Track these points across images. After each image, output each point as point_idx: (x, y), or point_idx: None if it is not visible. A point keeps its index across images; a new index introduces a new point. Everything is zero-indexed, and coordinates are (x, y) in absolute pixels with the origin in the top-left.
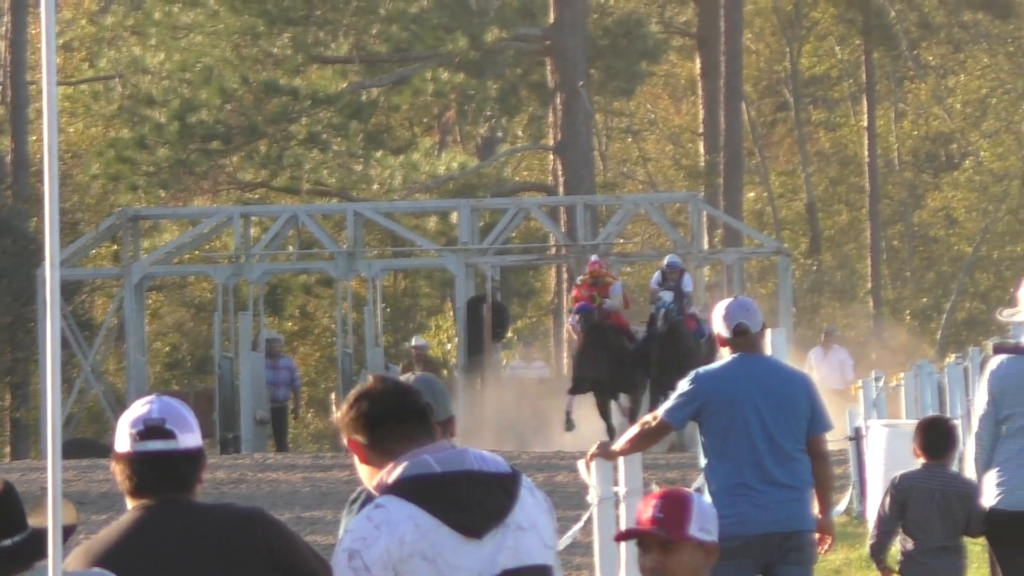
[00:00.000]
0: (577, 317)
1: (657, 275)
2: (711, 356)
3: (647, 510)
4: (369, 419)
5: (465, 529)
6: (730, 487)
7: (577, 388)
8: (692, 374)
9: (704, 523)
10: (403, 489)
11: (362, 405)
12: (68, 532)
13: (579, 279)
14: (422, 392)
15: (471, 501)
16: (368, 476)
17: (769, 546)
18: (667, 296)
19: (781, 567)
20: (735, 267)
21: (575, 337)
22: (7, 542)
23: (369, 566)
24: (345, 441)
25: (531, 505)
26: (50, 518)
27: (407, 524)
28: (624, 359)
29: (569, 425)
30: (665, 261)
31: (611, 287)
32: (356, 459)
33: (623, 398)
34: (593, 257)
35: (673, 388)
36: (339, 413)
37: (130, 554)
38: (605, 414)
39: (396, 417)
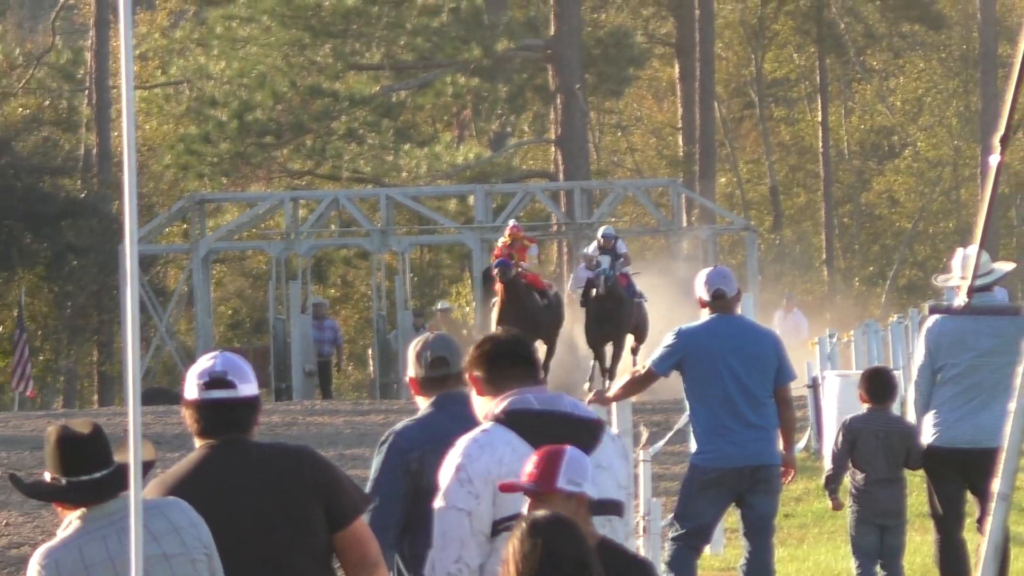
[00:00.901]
0: (496, 269)
1: (594, 244)
2: (642, 320)
3: (528, 466)
4: (488, 359)
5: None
6: (710, 428)
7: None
8: (675, 330)
9: (573, 476)
10: (506, 419)
11: (485, 347)
12: (147, 467)
13: (500, 240)
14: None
15: (560, 437)
16: (481, 406)
17: (742, 477)
18: (605, 261)
19: (752, 495)
20: (709, 241)
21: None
22: (97, 475)
23: (472, 478)
24: (467, 376)
25: (610, 450)
26: (131, 455)
27: (506, 448)
28: (536, 313)
29: None
30: (600, 232)
31: (528, 249)
32: (473, 391)
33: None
34: (511, 221)
35: (609, 338)
36: (468, 354)
37: (197, 485)
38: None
39: (510, 360)
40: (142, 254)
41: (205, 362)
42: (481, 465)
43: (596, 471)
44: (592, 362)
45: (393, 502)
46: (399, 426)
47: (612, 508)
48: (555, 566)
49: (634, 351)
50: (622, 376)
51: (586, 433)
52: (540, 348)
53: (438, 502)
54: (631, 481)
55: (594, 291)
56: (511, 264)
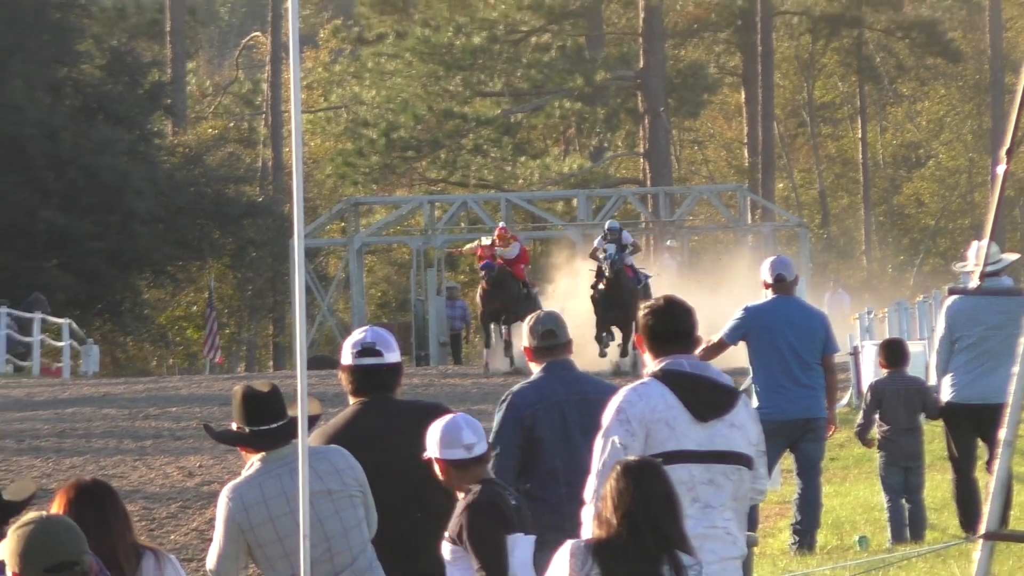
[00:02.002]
0: (482, 271)
1: (600, 237)
2: (647, 298)
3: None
4: (653, 326)
5: (696, 413)
6: (770, 388)
7: (487, 316)
8: (743, 307)
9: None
10: (662, 376)
11: (650, 317)
12: (314, 420)
13: (488, 240)
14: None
15: (703, 396)
16: (645, 364)
17: (795, 428)
18: (611, 248)
19: (803, 442)
20: (770, 236)
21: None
22: (274, 425)
23: (630, 419)
24: (635, 338)
25: (743, 413)
26: (300, 410)
27: (660, 399)
28: (518, 297)
29: (488, 341)
30: (606, 225)
31: (511, 245)
32: (640, 349)
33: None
34: (501, 223)
35: (616, 322)
36: (640, 315)
37: (353, 435)
38: (500, 327)
39: (669, 327)
40: (307, 247)
41: (358, 335)
42: (638, 409)
43: (731, 429)
44: (604, 335)
45: (510, 449)
46: (516, 387)
47: (743, 460)
48: (644, 502)
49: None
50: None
51: (725, 397)
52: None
53: (600, 437)
54: (761, 440)
55: (602, 283)
56: (495, 266)
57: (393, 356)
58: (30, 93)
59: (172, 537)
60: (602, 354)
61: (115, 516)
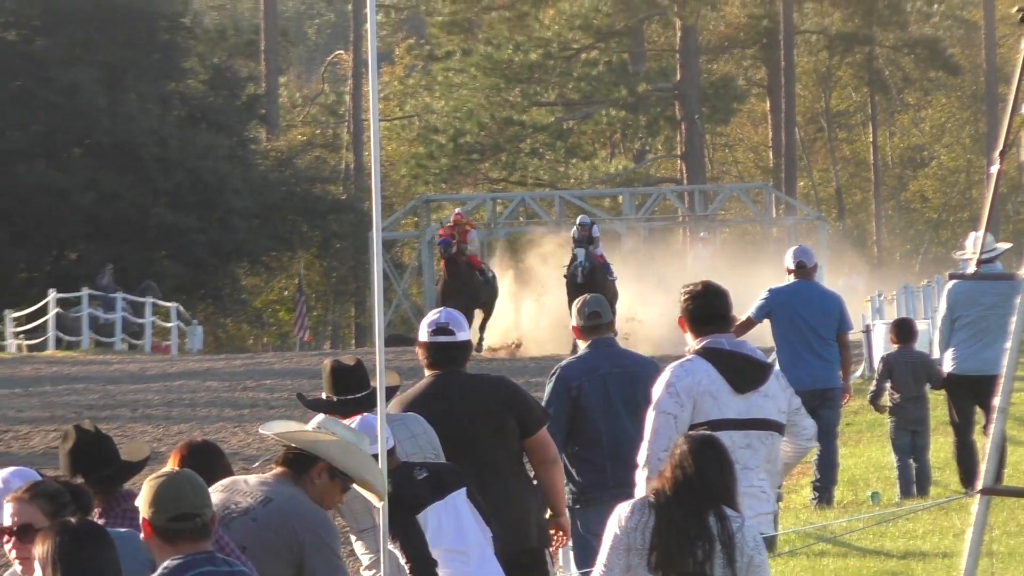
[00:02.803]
0: (439, 248)
1: (575, 229)
2: (613, 298)
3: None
4: (693, 310)
5: (736, 385)
6: (790, 360)
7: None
8: (768, 289)
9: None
10: (704, 353)
11: (690, 302)
12: (393, 391)
13: (444, 224)
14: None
15: (741, 371)
16: (687, 342)
17: (814, 396)
18: (580, 254)
19: (821, 409)
20: (792, 228)
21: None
22: (359, 395)
23: (679, 392)
24: (678, 319)
25: (774, 384)
26: (379, 382)
27: (703, 373)
28: (475, 287)
29: None
30: (578, 220)
31: (469, 233)
32: (682, 330)
33: (477, 314)
34: (456, 210)
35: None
36: (680, 299)
37: (427, 404)
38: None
39: (707, 310)
40: (384, 239)
41: (433, 315)
42: (685, 383)
43: (764, 400)
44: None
45: (559, 417)
46: (564, 362)
47: (775, 427)
48: (700, 464)
49: None
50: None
51: (760, 371)
52: (478, 316)
53: (651, 409)
54: (793, 405)
55: (575, 279)
56: (452, 243)
57: (463, 335)
58: (143, 105)
59: None
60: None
61: (220, 471)
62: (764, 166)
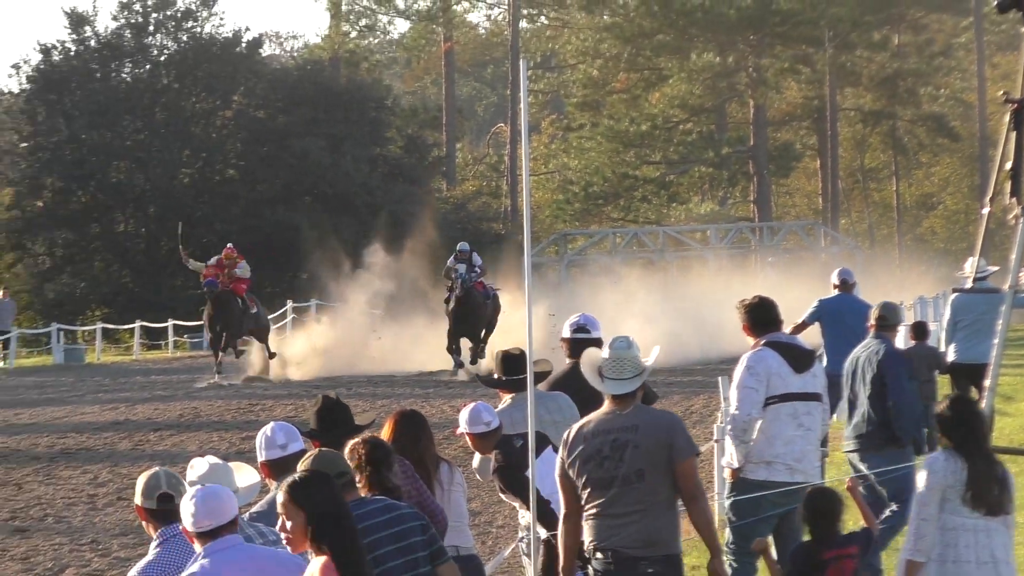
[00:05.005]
0: (205, 289)
1: (452, 257)
2: (495, 312)
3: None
4: (753, 316)
5: (795, 367)
6: (835, 352)
7: (214, 342)
8: (817, 300)
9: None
10: (769, 344)
11: (748, 310)
12: (546, 374)
13: (213, 260)
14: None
15: (797, 356)
16: (751, 340)
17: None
18: (462, 268)
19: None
20: (836, 255)
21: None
22: (521, 376)
23: (758, 372)
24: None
25: (819, 367)
26: (528, 368)
27: (772, 358)
28: (239, 316)
29: (219, 368)
30: (458, 247)
31: (239, 264)
32: (746, 333)
33: (240, 342)
34: (228, 244)
35: (465, 334)
36: (739, 310)
37: (568, 384)
38: (223, 346)
39: (763, 315)
40: (533, 263)
41: (574, 318)
42: (761, 366)
43: (814, 378)
44: (454, 348)
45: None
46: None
47: (821, 399)
48: (975, 427)
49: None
50: (787, 325)
51: (810, 357)
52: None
53: (734, 388)
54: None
55: (453, 298)
56: (217, 282)
57: (597, 333)
58: (356, 165)
59: (447, 451)
60: (454, 372)
61: (424, 433)
62: (815, 208)
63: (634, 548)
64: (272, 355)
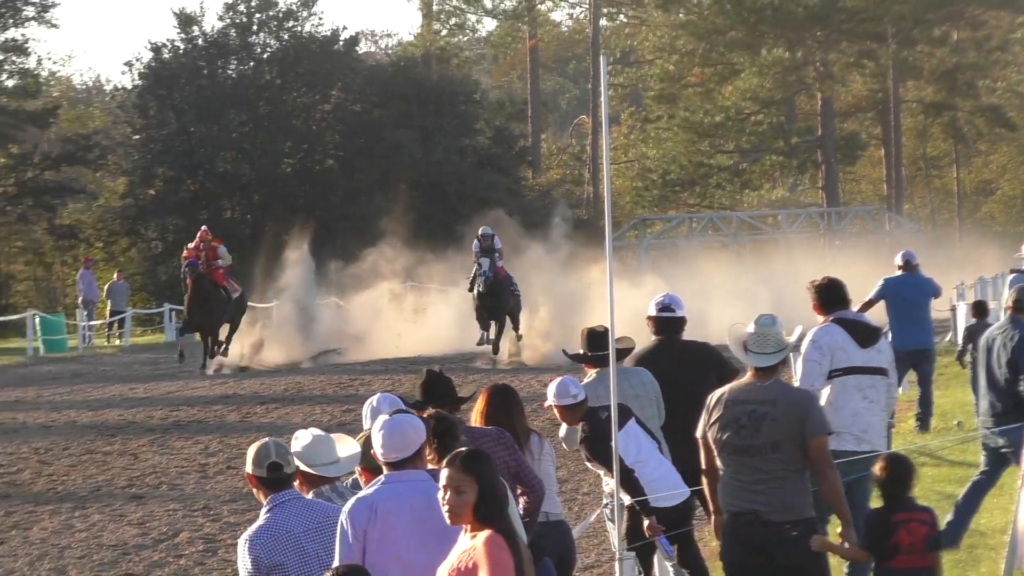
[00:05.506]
0: (186, 269)
1: (476, 242)
2: (517, 303)
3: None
4: (822, 295)
5: (859, 342)
6: (900, 328)
7: (186, 328)
8: (883, 279)
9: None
10: (836, 321)
11: (818, 290)
12: (629, 350)
13: (190, 245)
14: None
15: (862, 332)
16: (820, 319)
17: (917, 354)
18: (485, 264)
19: (920, 364)
20: (900, 238)
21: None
22: (599, 353)
23: (822, 347)
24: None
25: (884, 343)
26: (611, 345)
27: (837, 334)
28: (219, 304)
29: (181, 357)
30: (480, 232)
31: (218, 248)
32: (816, 312)
33: (223, 330)
34: (203, 227)
35: (493, 318)
36: (811, 289)
37: (652, 359)
38: (208, 342)
39: (831, 295)
40: (614, 247)
41: (659, 297)
42: (826, 341)
43: (878, 353)
44: (481, 332)
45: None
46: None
47: (886, 372)
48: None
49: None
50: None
51: (875, 333)
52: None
53: (801, 362)
54: (890, 362)
55: (477, 286)
56: (198, 263)
57: (680, 312)
58: (446, 154)
59: (536, 423)
60: (484, 342)
61: (515, 406)
62: (880, 194)
63: (772, 512)
64: (224, 345)
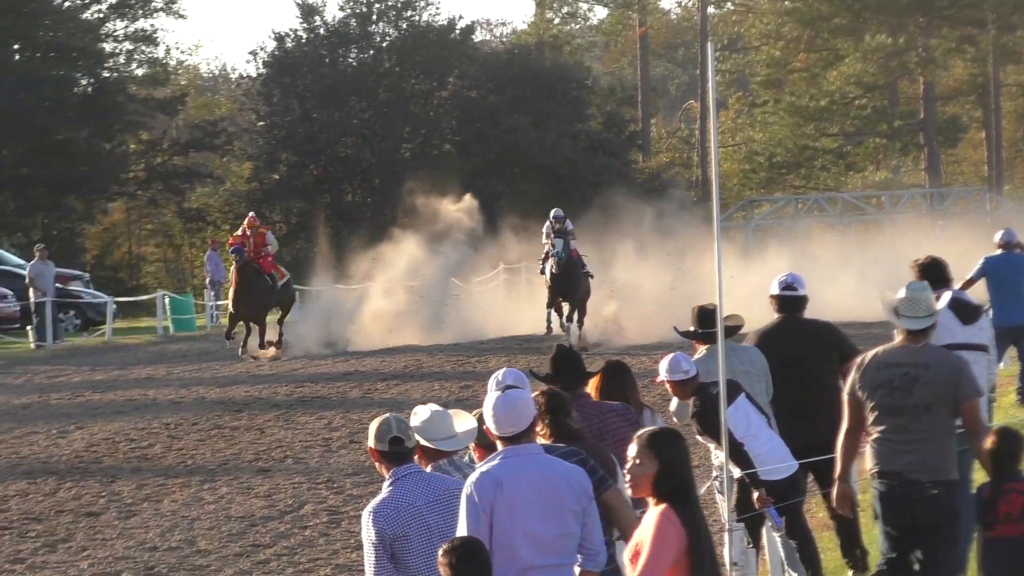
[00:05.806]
0: (232, 255)
1: (548, 223)
2: (587, 285)
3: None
4: (927, 271)
5: (961, 319)
6: (1001, 305)
7: (232, 322)
8: (984, 257)
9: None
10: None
11: (922, 268)
12: (737, 328)
13: (239, 231)
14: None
15: (964, 310)
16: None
17: (1017, 330)
18: (559, 244)
19: (1021, 339)
20: (999, 218)
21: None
22: (710, 331)
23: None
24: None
25: (985, 320)
26: (719, 323)
27: (941, 313)
28: (265, 293)
29: (233, 341)
30: (552, 214)
31: (266, 235)
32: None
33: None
34: (251, 213)
35: (566, 299)
36: (912, 267)
37: (774, 335)
38: (254, 330)
39: (938, 273)
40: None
41: (782, 276)
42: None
43: (980, 331)
44: (549, 312)
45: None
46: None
47: (986, 349)
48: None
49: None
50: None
51: (976, 311)
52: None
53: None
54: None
55: (551, 269)
56: (244, 249)
57: (803, 291)
58: (559, 139)
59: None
60: (562, 326)
61: (629, 381)
62: (981, 176)
63: (918, 473)
64: (277, 342)
